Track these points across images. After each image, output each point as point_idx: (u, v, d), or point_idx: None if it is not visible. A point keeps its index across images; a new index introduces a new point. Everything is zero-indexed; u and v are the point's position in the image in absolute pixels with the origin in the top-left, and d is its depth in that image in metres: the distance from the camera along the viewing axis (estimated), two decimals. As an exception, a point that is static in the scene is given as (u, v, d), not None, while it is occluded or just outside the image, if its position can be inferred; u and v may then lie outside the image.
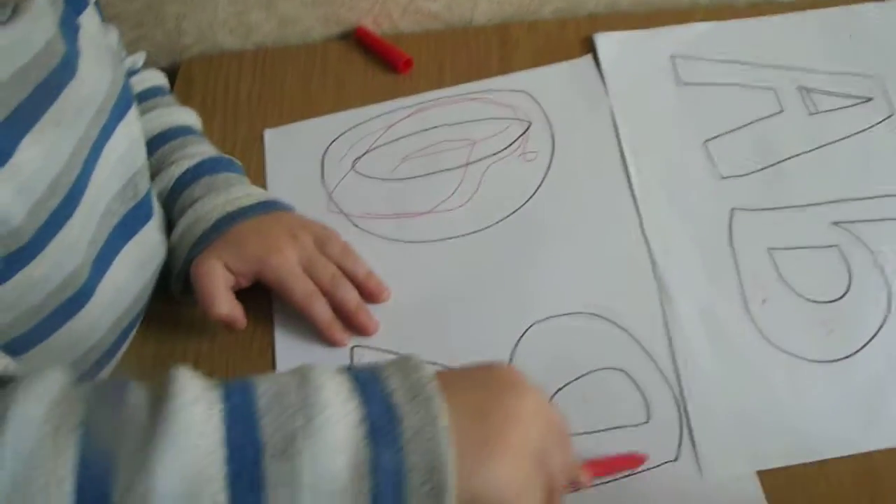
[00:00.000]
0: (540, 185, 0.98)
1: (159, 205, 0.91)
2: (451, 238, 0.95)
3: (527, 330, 0.87)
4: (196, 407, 0.49)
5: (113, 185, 0.79)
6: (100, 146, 0.76)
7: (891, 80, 1.04)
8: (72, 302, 0.73)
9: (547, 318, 0.88)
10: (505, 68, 1.09)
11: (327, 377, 0.53)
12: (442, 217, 0.97)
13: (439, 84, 1.08)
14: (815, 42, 1.09)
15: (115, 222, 0.80)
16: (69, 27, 0.72)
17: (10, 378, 0.52)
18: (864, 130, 1.00)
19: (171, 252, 0.89)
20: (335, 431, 0.50)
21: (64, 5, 0.72)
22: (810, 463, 0.78)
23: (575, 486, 0.68)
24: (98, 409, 0.49)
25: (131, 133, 0.82)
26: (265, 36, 1.18)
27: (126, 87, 0.82)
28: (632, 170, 0.98)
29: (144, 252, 0.84)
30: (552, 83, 1.07)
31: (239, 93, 1.12)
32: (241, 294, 0.87)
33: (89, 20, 0.76)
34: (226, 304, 0.84)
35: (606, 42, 1.10)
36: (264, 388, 0.52)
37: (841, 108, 1.02)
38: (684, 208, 0.95)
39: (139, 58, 1.02)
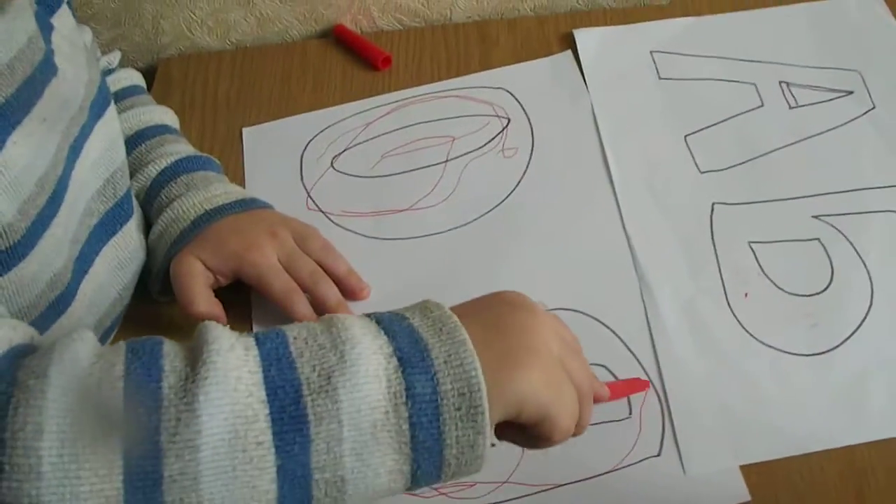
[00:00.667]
0: (520, 182, 0.97)
1: (138, 204, 0.90)
2: (430, 235, 0.94)
3: None
4: (232, 353, 0.50)
5: (92, 184, 0.79)
6: (79, 145, 0.75)
7: (871, 74, 1.04)
8: (59, 302, 0.73)
9: None
10: (484, 65, 1.09)
11: (352, 320, 0.55)
12: (421, 214, 0.96)
13: (418, 81, 1.08)
14: (796, 36, 1.09)
15: (94, 222, 0.79)
16: (44, 27, 0.71)
17: (35, 347, 0.53)
18: (844, 124, 1.00)
19: (149, 251, 0.89)
20: (368, 364, 0.51)
21: (37, 6, 0.71)
22: (794, 457, 0.78)
23: (597, 398, 0.69)
24: (136, 361, 0.50)
25: (110, 132, 0.81)
26: (244, 35, 1.18)
27: (103, 87, 0.81)
28: (612, 165, 0.98)
29: (124, 252, 0.84)
30: (532, 79, 1.07)
31: (217, 92, 1.11)
32: (220, 292, 0.86)
33: (62, 21, 0.76)
34: (204, 303, 0.83)
35: (586, 38, 1.10)
36: (296, 332, 0.54)
37: (821, 101, 1.02)
38: (665, 203, 0.94)
39: (114, 57, 1.01)
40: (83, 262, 0.77)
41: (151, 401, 0.48)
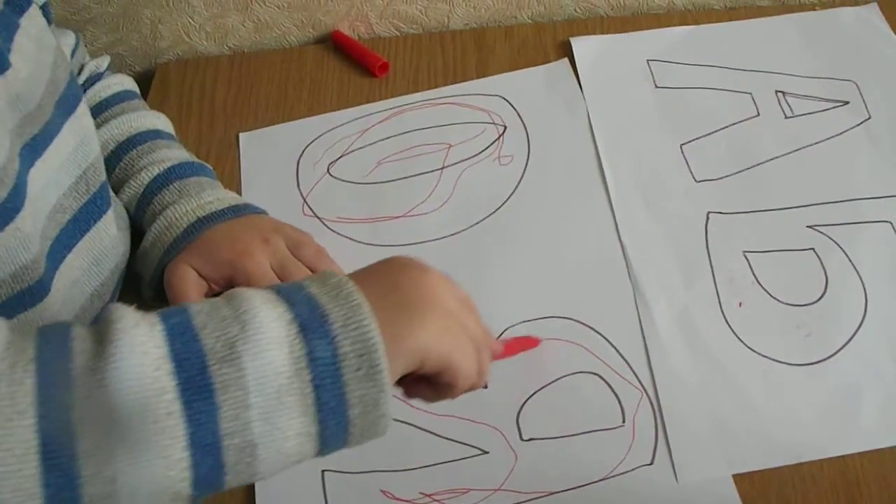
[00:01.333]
0: (515, 189, 0.98)
1: (117, 199, 0.90)
2: (425, 241, 0.94)
3: (501, 334, 0.86)
4: (138, 329, 0.51)
5: (64, 181, 0.78)
6: (42, 144, 0.75)
7: (867, 85, 1.04)
8: (26, 295, 0.73)
9: (522, 321, 0.87)
10: (481, 72, 1.09)
11: (253, 292, 0.56)
12: (417, 221, 0.96)
13: (415, 88, 1.08)
14: (792, 46, 1.09)
15: (67, 218, 0.79)
16: (6, 26, 0.71)
17: None
18: (840, 134, 1.00)
19: (142, 258, 0.89)
20: (269, 332, 0.52)
21: (3, 6, 0.72)
22: (786, 466, 0.78)
23: (492, 353, 0.71)
24: (47, 345, 0.51)
25: (80, 129, 0.81)
26: (241, 40, 1.18)
27: (72, 86, 0.81)
28: (608, 173, 0.98)
29: (100, 247, 0.83)
30: (528, 87, 1.07)
31: (215, 97, 1.11)
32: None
33: (31, 21, 0.76)
34: None
35: (583, 46, 1.10)
36: (198, 307, 0.54)
37: (817, 111, 1.02)
38: (660, 211, 0.95)
39: (102, 62, 1.00)
40: (55, 257, 0.77)
41: (63, 380, 0.49)
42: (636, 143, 1.01)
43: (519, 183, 0.98)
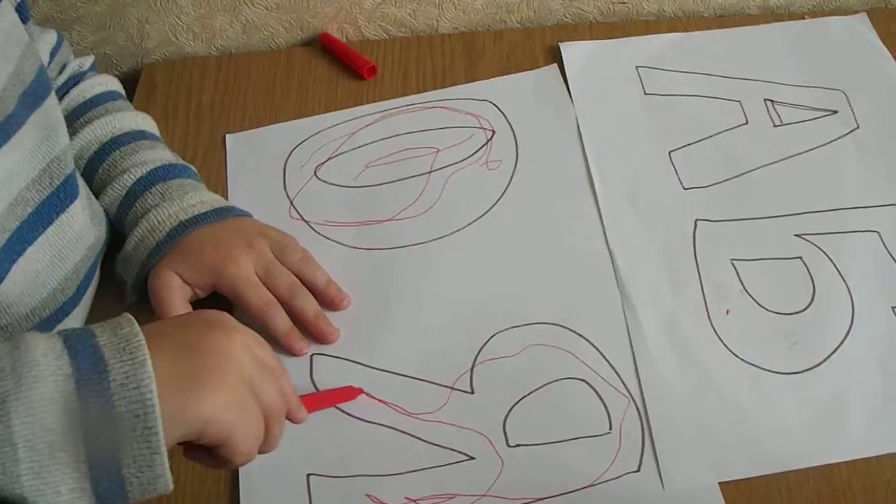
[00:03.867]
0: (503, 195, 0.97)
1: (91, 196, 0.89)
2: (412, 245, 0.94)
3: (488, 340, 0.86)
4: None
5: (26, 174, 0.77)
6: (3, 136, 0.74)
7: (855, 94, 1.04)
8: None
9: (509, 327, 0.87)
10: (470, 76, 1.08)
11: (38, 340, 0.55)
12: (403, 224, 0.96)
13: (404, 91, 1.07)
14: (781, 55, 1.09)
15: (28, 211, 0.78)
16: None
17: None
18: (828, 143, 1.00)
19: (124, 263, 0.88)
20: (43, 388, 0.52)
21: None
22: (772, 474, 0.78)
23: (292, 417, 0.71)
24: None
25: (46, 122, 0.80)
26: (229, 41, 1.17)
27: (41, 79, 0.80)
28: (596, 180, 0.98)
29: (63, 241, 0.82)
30: (517, 92, 1.07)
31: (202, 98, 1.11)
32: (202, 302, 0.86)
33: (1, 15, 0.75)
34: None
35: (572, 52, 1.10)
36: None
37: (806, 120, 1.02)
38: (648, 219, 0.94)
39: (85, 61, 0.99)
40: (13, 250, 0.76)
41: None
42: (624, 149, 1.00)
43: (506, 188, 0.98)
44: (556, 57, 1.09)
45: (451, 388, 0.83)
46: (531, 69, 1.09)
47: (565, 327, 0.86)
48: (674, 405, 0.81)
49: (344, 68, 1.11)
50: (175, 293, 0.83)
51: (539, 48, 1.11)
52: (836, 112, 1.03)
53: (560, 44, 1.10)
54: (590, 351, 0.85)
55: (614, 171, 0.98)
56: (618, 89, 1.06)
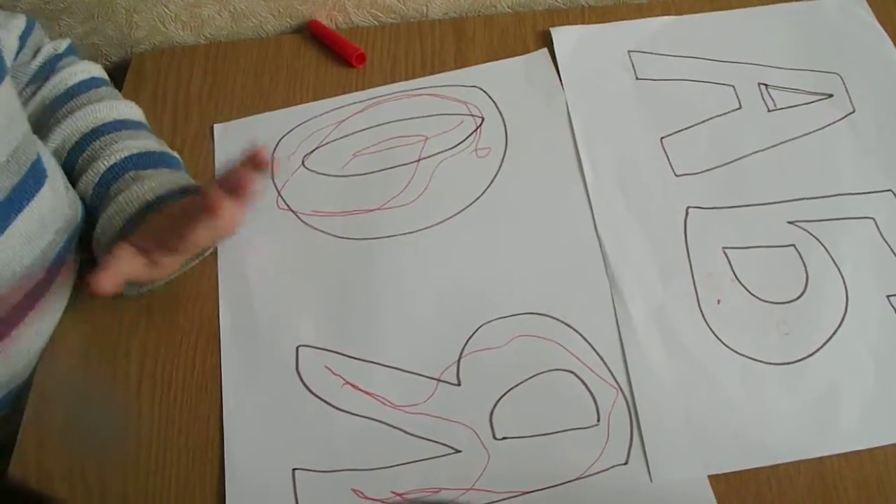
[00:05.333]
0: (492, 182, 0.96)
1: (64, 179, 0.88)
2: (400, 235, 0.93)
3: (476, 331, 0.85)
4: None
5: None
6: None
7: (852, 77, 1.03)
8: None
9: (497, 318, 0.86)
10: (460, 62, 1.07)
11: None
12: (392, 213, 0.95)
13: (393, 78, 1.06)
14: (776, 37, 1.07)
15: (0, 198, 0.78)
16: None
17: None
18: (823, 128, 0.99)
19: (96, 248, 0.87)
20: None
21: None
22: (762, 467, 0.77)
23: None
24: None
25: (7, 110, 0.79)
26: (218, 30, 1.16)
27: None
28: (586, 167, 0.96)
29: (32, 225, 0.81)
30: (506, 78, 1.05)
31: (190, 87, 1.09)
32: (186, 293, 0.86)
33: None
34: (105, 282, 0.79)
35: (563, 36, 1.08)
36: None
37: (800, 104, 1.01)
38: (638, 206, 0.93)
39: (60, 44, 0.98)
40: None
41: None
42: (615, 135, 0.99)
43: (496, 175, 0.97)
44: (547, 42, 1.08)
45: (438, 380, 0.82)
46: (522, 54, 1.07)
47: (553, 317, 0.85)
48: (663, 396, 0.81)
49: (333, 56, 1.10)
50: (119, 261, 0.81)
51: (530, 33, 1.09)
52: (831, 96, 1.01)
53: (551, 28, 1.08)
54: (578, 341, 0.84)
55: (605, 158, 0.97)
56: (609, 74, 1.05)
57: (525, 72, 1.06)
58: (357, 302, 0.88)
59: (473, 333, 0.85)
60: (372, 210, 0.95)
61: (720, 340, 0.84)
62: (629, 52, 1.07)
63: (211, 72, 1.11)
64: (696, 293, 0.87)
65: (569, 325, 0.85)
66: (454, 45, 1.09)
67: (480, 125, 1.01)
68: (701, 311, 0.86)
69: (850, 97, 1.01)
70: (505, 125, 1.01)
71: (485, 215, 0.94)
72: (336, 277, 0.89)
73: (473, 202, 0.95)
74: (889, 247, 0.89)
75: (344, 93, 1.06)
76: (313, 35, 1.13)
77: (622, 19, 1.10)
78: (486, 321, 0.86)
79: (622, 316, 0.85)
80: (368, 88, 1.06)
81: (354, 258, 0.91)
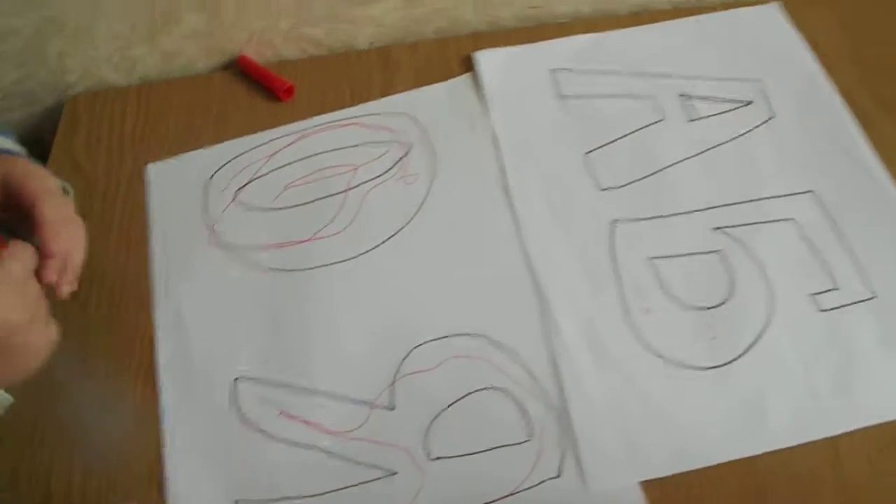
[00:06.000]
0: (421, 207, 0.97)
1: None
2: (332, 264, 0.94)
3: (408, 354, 0.86)
4: None
5: None
6: None
7: (770, 83, 1.05)
8: None
9: (429, 340, 0.87)
10: (387, 90, 1.08)
11: None
12: (323, 244, 0.95)
13: (322, 109, 1.07)
14: (695, 48, 1.09)
15: None
16: None
17: None
18: (743, 134, 1.00)
19: None
20: None
21: None
22: (694, 470, 0.78)
23: None
24: None
25: None
26: (149, 70, 1.17)
27: None
28: (513, 187, 0.98)
29: None
30: (432, 104, 1.06)
31: (123, 128, 1.10)
32: (121, 330, 0.87)
33: None
34: None
35: (487, 59, 1.09)
36: None
37: (721, 112, 1.02)
38: (565, 223, 0.94)
39: None
40: None
41: None
42: (541, 154, 1.00)
43: (424, 201, 0.98)
44: (472, 65, 1.09)
45: (372, 405, 0.83)
46: (447, 79, 1.09)
47: (485, 337, 0.87)
48: (594, 407, 0.82)
49: (263, 90, 1.11)
50: None
51: (455, 58, 1.11)
52: (751, 102, 1.03)
53: (475, 53, 1.10)
54: (509, 359, 0.85)
55: (532, 178, 0.98)
56: (534, 94, 1.06)
57: (449, 97, 1.07)
58: (291, 332, 0.89)
59: (406, 357, 0.86)
60: (304, 241, 0.96)
61: (649, 349, 0.85)
62: (552, 70, 1.08)
63: (143, 112, 1.12)
64: (625, 304, 0.88)
65: (499, 344, 0.86)
66: (381, 74, 1.10)
67: (408, 152, 1.02)
68: (629, 321, 0.87)
69: (769, 103, 1.03)
70: (432, 150, 1.02)
71: (414, 241, 0.95)
72: (270, 309, 0.90)
73: (402, 228, 0.96)
74: (810, 247, 0.91)
75: (275, 126, 1.06)
76: (243, 70, 1.14)
77: (545, 39, 1.11)
78: (418, 344, 0.87)
79: (553, 331, 0.87)
80: (299, 121, 1.06)
81: (288, 289, 0.92)
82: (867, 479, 0.78)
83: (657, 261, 0.91)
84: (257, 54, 1.15)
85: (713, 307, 0.87)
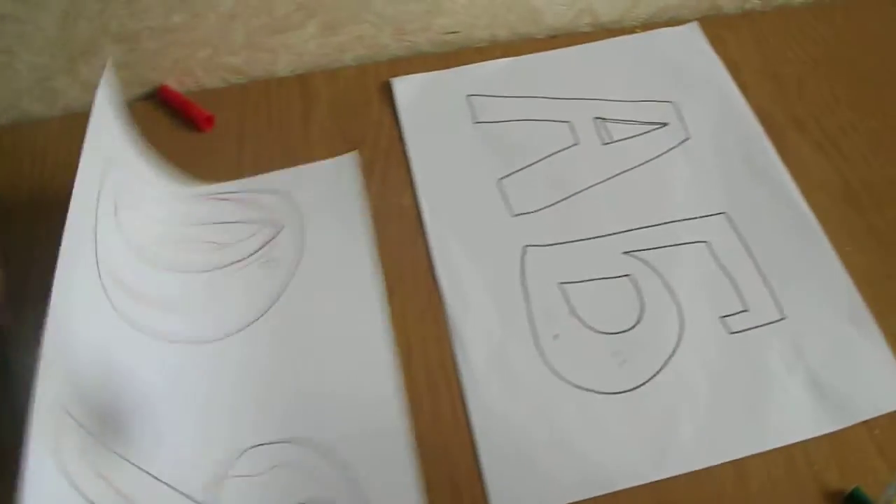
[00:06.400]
0: (281, 294, 0.92)
1: None
2: (186, 344, 0.89)
3: (242, 454, 0.82)
4: None
5: None
6: None
7: (686, 104, 1.06)
8: None
9: (262, 444, 0.83)
10: (306, 118, 1.08)
11: None
12: (182, 321, 0.90)
13: (241, 141, 1.07)
14: (612, 71, 1.10)
15: None
16: None
17: None
18: (658, 157, 1.01)
19: None
20: None
21: None
22: (602, 496, 0.79)
23: None
24: None
25: None
26: (72, 101, 1.16)
27: None
28: (426, 218, 0.97)
29: None
30: (311, 182, 1.01)
31: (45, 160, 1.10)
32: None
33: None
34: None
35: (404, 86, 1.09)
36: None
37: (635, 135, 1.03)
38: (475, 251, 0.94)
39: None
40: None
41: None
42: (454, 183, 1.00)
43: (286, 288, 0.93)
44: (389, 91, 1.10)
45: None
46: (366, 106, 1.08)
47: (321, 444, 0.83)
48: (503, 436, 0.82)
49: (184, 120, 1.11)
50: None
51: (373, 84, 1.11)
52: (666, 124, 1.04)
53: (392, 79, 1.10)
54: (339, 471, 0.81)
55: (444, 207, 0.98)
56: (448, 121, 1.06)
57: (330, 175, 1.02)
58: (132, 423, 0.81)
59: (239, 457, 0.82)
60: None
61: (557, 375, 0.85)
62: (468, 96, 1.08)
63: (66, 144, 1.11)
64: (535, 330, 0.88)
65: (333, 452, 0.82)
66: (300, 102, 1.10)
67: (278, 233, 0.97)
68: (538, 347, 0.87)
69: (685, 124, 1.04)
70: (303, 231, 0.97)
71: (266, 332, 0.89)
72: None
73: (257, 319, 0.91)
74: (721, 269, 0.91)
75: (194, 157, 1.06)
76: (163, 101, 1.14)
77: (464, 64, 1.12)
78: (252, 445, 0.82)
79: (462, 360, 0.87)
80: (203, 166, 1.03)
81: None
82: (770, 500, 0.78)
83: (567, 286, 0.91)
84: (179, 84, 1.15)
85: (623, 332, 0.88)
